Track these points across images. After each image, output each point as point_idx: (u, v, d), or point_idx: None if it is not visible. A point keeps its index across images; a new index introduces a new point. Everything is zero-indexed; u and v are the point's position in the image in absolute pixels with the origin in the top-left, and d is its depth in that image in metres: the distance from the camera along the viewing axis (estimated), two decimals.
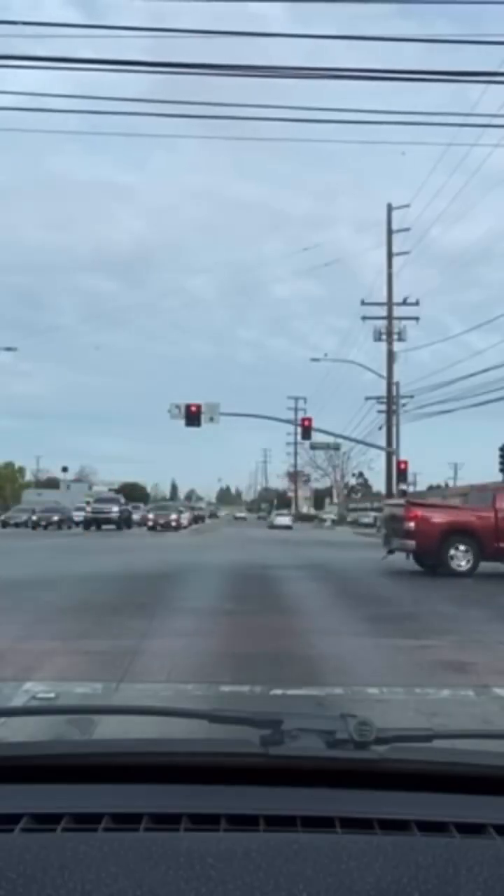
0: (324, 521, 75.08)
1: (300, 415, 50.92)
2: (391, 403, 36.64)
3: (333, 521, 72.72)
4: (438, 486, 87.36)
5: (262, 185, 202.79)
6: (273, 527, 54.53)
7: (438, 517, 16.70)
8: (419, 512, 16.82)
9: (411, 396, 38.52)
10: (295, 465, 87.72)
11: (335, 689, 6.04)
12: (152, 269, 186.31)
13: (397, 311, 36.76)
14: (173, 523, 45.02)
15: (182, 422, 32.57)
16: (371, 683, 6.19)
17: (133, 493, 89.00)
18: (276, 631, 8.66)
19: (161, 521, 45.02)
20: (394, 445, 36.48)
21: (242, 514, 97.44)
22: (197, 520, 59.04)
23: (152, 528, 43.86)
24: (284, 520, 58.46)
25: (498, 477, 36.96)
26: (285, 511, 70.51)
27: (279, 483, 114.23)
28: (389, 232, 36.64)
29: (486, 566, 16.05)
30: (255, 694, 5.84)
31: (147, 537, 35.61)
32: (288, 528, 53.85)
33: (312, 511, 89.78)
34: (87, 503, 47.85)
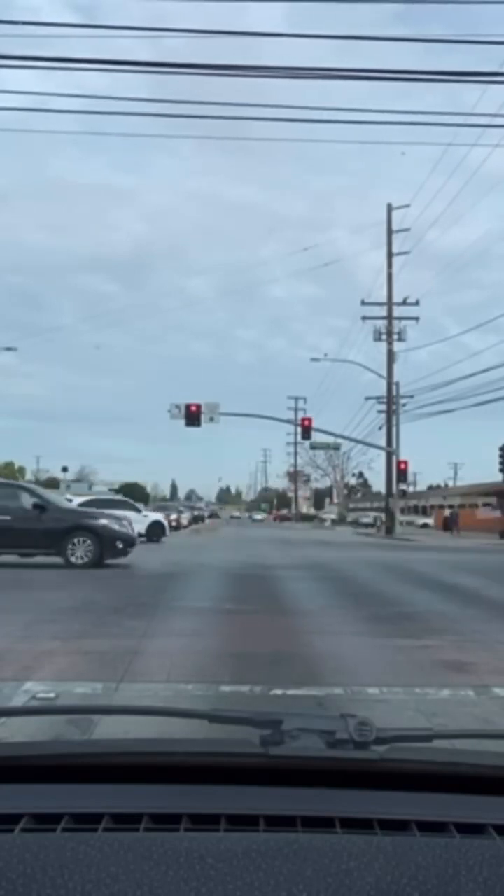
0: (324, 520, 75.25)
1: (300, 415, 50.98)
2: (391, 403, 36.65)
3: (333, 521, 72.86)
4: (438, 486, 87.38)
5: (261, 187, 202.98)
6: (253, 521, 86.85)
7: None
8: None
9: (411, 396, 38.57)
10: (295, 465, 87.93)
11: (335, 689, 6.03)
12: (152, 270, 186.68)
13: (397, 312, 36.79)
14: (173, 523, 44.98)
15: (182, 422, 32.60)
16: (371, 683, 6.19)
17: (133, 493, 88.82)
18: (275, 631, 8.66)
19: None
20: (394, 445, 36.48)
21: (238, 514, 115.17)
22: (196, 520, 59.16)
23: None
24: (259, 516, 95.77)
25: (498, 477, 36.96)
26: (261, 512, 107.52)
27: (279, 483, 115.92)
28: (389, 232, 36.67)
29: None
30: (255, 694, 5.83)
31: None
32: (260, 521, 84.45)
33: (312, 511, 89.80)
34: None
